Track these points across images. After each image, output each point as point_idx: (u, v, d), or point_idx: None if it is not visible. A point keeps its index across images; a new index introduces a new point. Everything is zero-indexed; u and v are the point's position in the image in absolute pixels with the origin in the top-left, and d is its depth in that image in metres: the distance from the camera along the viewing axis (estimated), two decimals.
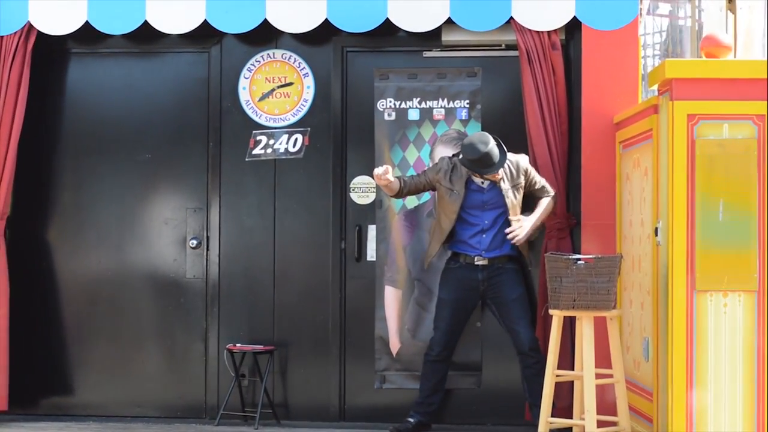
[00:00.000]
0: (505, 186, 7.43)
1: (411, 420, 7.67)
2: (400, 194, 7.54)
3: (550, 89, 7.74)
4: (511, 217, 7.44)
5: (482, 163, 7.32)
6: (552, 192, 7.55)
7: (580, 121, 7.78)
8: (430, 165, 7.89)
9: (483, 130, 7.86)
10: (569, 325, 7.48)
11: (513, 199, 7.43)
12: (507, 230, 7.41)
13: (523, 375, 7.54)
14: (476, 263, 7.51)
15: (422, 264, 7.91)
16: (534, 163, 7.67)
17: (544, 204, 7.52)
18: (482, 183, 7.46)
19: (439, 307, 7.66)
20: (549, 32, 7.76)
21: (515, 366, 7.61)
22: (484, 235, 7.48)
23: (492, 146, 7.31)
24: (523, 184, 7.47)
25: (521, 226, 7.41)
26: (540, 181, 7.54)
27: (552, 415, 7.12)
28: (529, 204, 7.57)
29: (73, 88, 8.33)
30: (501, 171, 7.41)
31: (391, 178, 7.38)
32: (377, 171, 7.37)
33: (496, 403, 7.98)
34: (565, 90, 7.77)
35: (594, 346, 6.85)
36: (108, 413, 8.22)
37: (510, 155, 7.48)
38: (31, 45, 8.02)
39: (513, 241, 7.42)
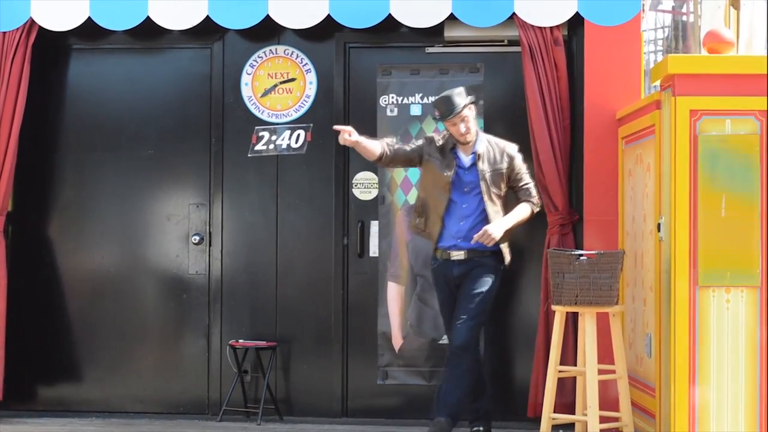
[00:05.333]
0: (483, 166, 7.04)
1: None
2: (383, 160, 7.15)
3: (552, 85, 7.73)
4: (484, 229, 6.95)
5: (444, 102, 6.99)
6: (535, 200, 7.15)
7: (583, 117, 7.77)
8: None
9: (485, 126, 7.84)
10: (572, 321, 7.48)
11: (489, 182, 7.01)
12: (474, 236, 6.95)
13: (444, 374, 7.11)
14: (452, 258, 7.09)
15: (425, 259, 7.89)
16: (537, 158, 7.66)
17: (518, 210, 7.07)
18: (465, 155, 7.07)
19: (440, 309, 7.33)
20: (551, 28, 7.76)
21: (517, 362, 7.61)
22: (462, 222, 7.07)
23: (461, 93, 7.00)
24: (505, 171, 7.06)
25: (486, 233, 6.90)
26: (526, 179, 7.14)
27: (554, 411, 7.12)
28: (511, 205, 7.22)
29: (75, 84, 8.33)
30: (477, 137, 7.07)
31: (357, 138, 7.02)
32: (342, 131, 6.99)
33: (497, 400, 7.96)
34: (567, 86, 7.77)
35: (596, 342, 6.85)
36: (110, 409, 8.23)
37: (497, 140, 7.17)
38: (32, 41, 8.02)
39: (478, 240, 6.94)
